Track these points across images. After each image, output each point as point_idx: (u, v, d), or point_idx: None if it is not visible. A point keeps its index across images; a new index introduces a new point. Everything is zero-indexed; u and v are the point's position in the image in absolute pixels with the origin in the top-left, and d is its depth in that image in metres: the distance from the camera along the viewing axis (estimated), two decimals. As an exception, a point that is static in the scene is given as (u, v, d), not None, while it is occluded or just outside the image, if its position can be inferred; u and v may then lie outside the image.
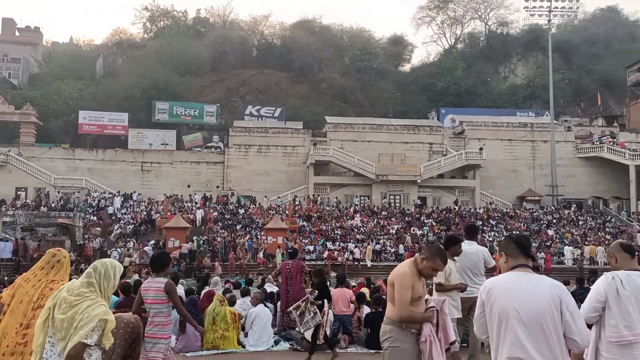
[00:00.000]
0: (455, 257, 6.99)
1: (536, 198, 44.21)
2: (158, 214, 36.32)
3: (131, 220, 36.12)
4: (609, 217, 41.81)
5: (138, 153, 44.72)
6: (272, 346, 8.81)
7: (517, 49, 68.33)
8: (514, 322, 3.13)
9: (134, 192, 41.52)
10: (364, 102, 60.58)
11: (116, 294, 9.80)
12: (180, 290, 10.61)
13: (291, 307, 7.81)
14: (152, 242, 31.20)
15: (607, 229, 38.96)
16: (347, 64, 64.30)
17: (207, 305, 8.94)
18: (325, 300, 7.98)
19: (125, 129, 47.95)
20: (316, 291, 8.19)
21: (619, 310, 3.65)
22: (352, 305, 9.53)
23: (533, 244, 34.60)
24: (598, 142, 46.28)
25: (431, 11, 73.40)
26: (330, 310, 9.17)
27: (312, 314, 7.57)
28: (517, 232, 37.14)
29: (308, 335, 8.01)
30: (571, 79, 60.41)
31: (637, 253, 4.09)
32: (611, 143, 45.42)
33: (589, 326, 3.79)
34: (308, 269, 10.61)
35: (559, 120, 50.07)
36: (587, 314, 3.80)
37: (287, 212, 37.15)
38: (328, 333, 8.85)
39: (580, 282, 10.25)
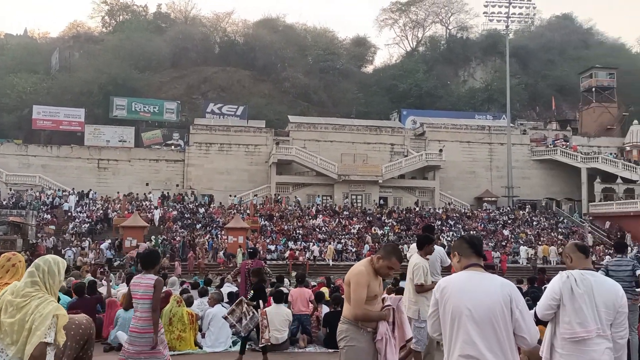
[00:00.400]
0: (428, 256, 7.09)
1: (493, 199, 45.37)
2: (115, 213, 35.46)
3: (87, 219, 35.15)
4: (562, 217, 43.29)
5: (94, 150, 43.54)
6: (230, 347, 8.72)
7: (476, 53, 69.94)
8: (466, 320, 3.18)
9: (90, 190, 40.40)
10: (327, 102, 60.81)
11: (69, 294, 9.52)
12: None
13: (225, 313, 7.59)
14: (108, 241, 30.46)
15: (560, 230, 40.35)
16: (311, 64, 64.39)
17: (163, 306, 8.76)
18: (261, 301, 7.86)
19: (82, 125, 46.62)
20: (252, 291, 8.10)
21: (573, 308, 3.75)
22: (311, 304, 9.55)
23: (489, 243, 35.52)
24: (552, 146, 47.88)
25: (394, 14, 74.31)
26: (290, 311, 9.15)
27: (250, 316, 7.44)
28: (475, 232, 38.04)
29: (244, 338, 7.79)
30: (527, 84, 62.24)
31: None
32: (564, 146, 47.09)
33: (545, 323, 3.90)
34: (268, 269, 10.57)
35: (515, 124, 51.50)
36: (543, 311, 3.91)
37: (248, 211, 36.89)
38: (289, 333, 8.84)
39: (531, 281, 10.58)
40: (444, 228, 37.70)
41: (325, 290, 11.05)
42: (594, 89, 53.25)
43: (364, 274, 4.30)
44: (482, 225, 39.73)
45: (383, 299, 4.58)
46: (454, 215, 41.20)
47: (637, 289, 7.78)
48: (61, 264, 3.33)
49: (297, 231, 35.58)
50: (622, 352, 3.98)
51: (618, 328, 3.86)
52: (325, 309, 9.59)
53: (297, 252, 31.26)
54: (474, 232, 38.09)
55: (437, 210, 41.76)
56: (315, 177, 43.38)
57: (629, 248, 33.82)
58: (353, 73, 65.26)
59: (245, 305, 7.43)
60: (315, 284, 13.27)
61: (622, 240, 9.14)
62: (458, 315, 3.22)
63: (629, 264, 7.60)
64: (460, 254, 3.48)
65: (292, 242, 33.47)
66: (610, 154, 46.66)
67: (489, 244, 35.68)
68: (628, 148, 46.89)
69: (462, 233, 36.96)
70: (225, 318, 7.58)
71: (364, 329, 4.29)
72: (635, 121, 47.90)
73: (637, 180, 41.87)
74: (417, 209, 41.94)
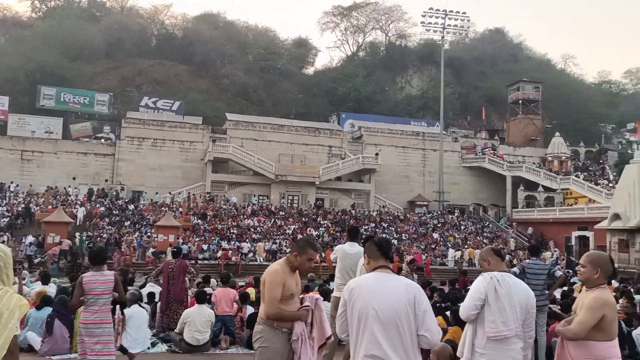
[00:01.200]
0: (340, 257, 7.13)
1: (424, 203, 46.72)
2: (38, 207, 33.62)
3: (6, 213, 33.12)
4: (487, 222, 45.21)
5: (18, 140, 41.08)
6: (149, 348, 8.46)
7: (414, 61, 71.77)
8: (372, 321, 3.23)
9: (12, 182, 38.12)
10: (267, 101, 60.48)
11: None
12: (52, 289, 9.87)
13: None
14: (30, 236, 28.79)
15: (485, 234, 42.09)
16: (251, 62, 63.81)
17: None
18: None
19: (5, 113, 43.84)
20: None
21: (497, 307, 3.94)
22: (235, 305, 9.43)
23: (420, 246, 36.53)
24: (481, 154, 49.94)
25: (335, 17, 75.05)
26: (213, 311, 8.99)
27: None
28: (407, 235, 39.04)
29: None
30: (460, 94, 64.50)
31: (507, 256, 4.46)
32: (492, 155, 49.24)
33: (461, 325, 4.01)
34: (193, 270, 10.36)
35: (448, 131, 53.29)
36: (468, 311, 4.05)
37: (181, 209, 36.04)
38: (212, 334, 8.68)
39: (452, 283, 10.98)
40: (377, 230, 38.37)
41: (251, 290, 10.95)
42: (520, 102, 56.00)
43: (280, 273, 4.29)
44: (414, 229, 40.78)
45: (301, 299, 4.56)
46: (388, 218, 42.07)
47: (546, 291, 8.27)
48: (8, 252, 3.24)
49: (232, 231, 35.14)
50: (528, 351, 4.22)
51: (527, 328, 4.10)
52: (250, 310, 9.50)
53: (230, 252, 30.84)
54: (406, 234, 39.09)
55: (371, 213, 42.49)
56: (252, 177, 43.04)
57: (550, 253, 35.85)
58: (294, 74, 65.27)
59: None
60: (244, 283, 13.13)
61: (536, 244, 9.72)
62: (364, 315, 3.26)
63: (545, 267, 8.07)
64: (369, 256, 3.55)
65: (226, 242, 33.00)
66: (534, 163, 49.21)
67: (420, 246, 36.71)
68: (549, 158, 49.64)
69: (395, 235, 37.87)
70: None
71: (279, 330, 4.25)
72: (557, 133, 50.84)
73: (557, 189, 44.41)
74: (353, 211, 42.49)
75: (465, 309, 4.09)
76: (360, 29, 75.95)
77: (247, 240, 33.49)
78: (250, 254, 31.88)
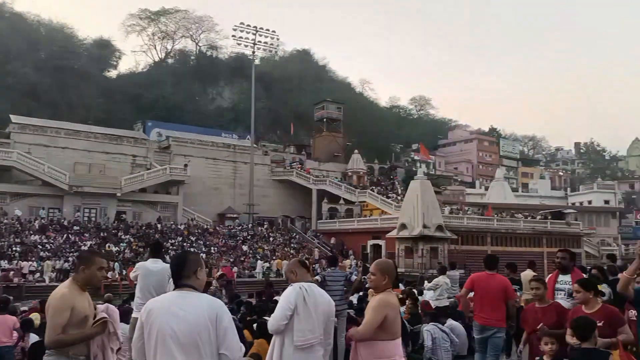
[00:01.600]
0: (141, 274, 6.68)
1: (235, 215, 46.89)
2: None
3: None
4: (295, 234, 47.14)
5: None
6: None
7: (225, 73, 72.04)
8: (170, 342, 3.01)
9: None
10: (61, 103, 54.76)
11: None
12: None
13: None
14: None
15: (292, 245, 43.78)
16: (43, 60, 57.35)
17: None
18: None
19: None
20: None
21: (305, 316, 4.02)
22: (15, 333, 8.19)
23: (230, 259, 36.41)
24: (289, 167, 52.10)
25: (142, 21, 71.68)
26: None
27: None
28: (216, 248, 38.58)
29: None
30: (270, 108, 66.62)
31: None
32: (299, 169, 51.73)
33: (267, 338, 3.96)
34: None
35: (259, 145, 54.46)
36: (279, 322, 4.03)
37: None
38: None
39: (259, 295, 11.11)
40: (185, 244, 37.21)
41: (36, 315, 9.63)
42: (325, 120, 59.94)
43: (67, 296, 3.87)
44: (224, 241, 40.52)
45: (95, 307, 4.11)
46: (196, 231, 41.11)
47: (345, 295, 8.85)
48: None
49: (14, 248, 30.76)
50: (327, 357, 4.39)
51: (327, 335, 4.27)
52: (34, 338, 8.32)
53: (12, 273, 26.95)
54: (215, 247, 38.62)
55: (179, 226, 41.09)
56: (41, 187, 38.41)
57: (349, 261, 38.72)
58: (94, 76, 60.35)
59: None
60: (27, 308, 11.54)
61: (334, 255, 10.62)
62: (162, 337, 3.03)
63: (343, 274, 8.63)
64: (171, 276, 3.38)
65: (6, 261, 28.77)
66: (336, 177, 52.96)
67: (229, 259, 36.57)
68: (349, 173, 54.02)
69: (204, 249, 37.15)
70: None
71: (74, 358, 3.84)
72: (356, 151, 55.59)
73: (355, 202, 48.35)
74: (159, 224, 40.56)
75: (275, 319, 4.09)
76: (169, 36, 73.79)
77: (34, 259, 29.66)
78: (37, 274, 28.29)
